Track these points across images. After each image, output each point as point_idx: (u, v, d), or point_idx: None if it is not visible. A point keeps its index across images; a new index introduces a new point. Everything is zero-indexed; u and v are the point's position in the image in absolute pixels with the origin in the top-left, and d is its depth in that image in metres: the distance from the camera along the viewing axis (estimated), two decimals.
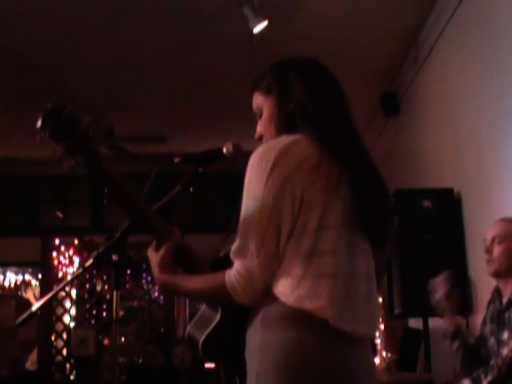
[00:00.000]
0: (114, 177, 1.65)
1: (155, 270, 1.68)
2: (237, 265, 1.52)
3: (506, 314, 2.57)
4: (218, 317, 1.66)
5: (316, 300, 1.48)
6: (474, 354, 2.73)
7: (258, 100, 1.72)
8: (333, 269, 1.51)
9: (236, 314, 1.60)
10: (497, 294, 2.70)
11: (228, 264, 1.56)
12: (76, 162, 1.58)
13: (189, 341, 1.77)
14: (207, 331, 1.66)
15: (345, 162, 1.55)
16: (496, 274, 2.68)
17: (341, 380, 1.48)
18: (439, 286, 2.83)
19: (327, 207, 1.52)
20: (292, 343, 1.47)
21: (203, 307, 1.79)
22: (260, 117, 1.72)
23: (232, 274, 1.52)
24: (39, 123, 1.52)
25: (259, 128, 1.73)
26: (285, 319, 1.49)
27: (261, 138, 1.73)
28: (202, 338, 1.66)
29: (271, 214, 1.50)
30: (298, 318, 1.48)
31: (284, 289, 1.50)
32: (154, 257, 1.70)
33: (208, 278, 1.62)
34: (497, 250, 2.64)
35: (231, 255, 1.54)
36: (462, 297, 4.05)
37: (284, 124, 1.64)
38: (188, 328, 1.77)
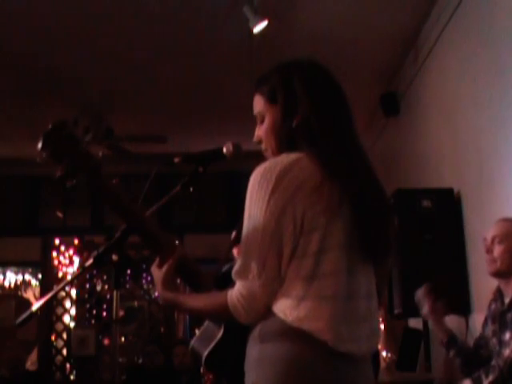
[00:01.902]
0: (116, 193, 1.66)
1: (158, 287, 1.69)
2: (239, 286, 1.52)
3: (508, 315, 2.56)
4: (220, 332, 1.68)
5: (316, 322, 1.48)
6: (474, 357, 2.73)
7: (260, 104, 1.68)
8: (333, 291, 1.50)
9: (238, 330, 1.61)
10: (498, 294, 2.70)
11: (231, 279, 1.56)
12: (77, 181, 1.59)
13: (192, 354, 1.79)
14: (210, 346, 1.68)
15: (346, 182, 1.53)
16: (497, 274, 2.67)
17: None
18: (422, 300, 2.84)
19: (328, 228, 1.51)
20: (289, 357, 1.47)
21: (207, 322, 1.80)
22: (261, 122, 1.69)
23: (234, 295, 1.52)
24: (40, 145, 1.53)
25: (259, 132, 1.70)
26: (283, 334, 1.49)
27: (260, 142, 1.71)
28: (205, 353, 1.68)
29: (273, 236, 1.49)
30: (296, 334, 1.48)
31: (284, 308, 1.50)
32: (157, 273, 1.70)
33: (210, 298, 1.62)
34: (497, 250, 2.64)
35: (233, 275, 1.54)
36: (462, 297, 4.05)
37: (286, 139, 1.62)
38: (192, 342, 1.78)
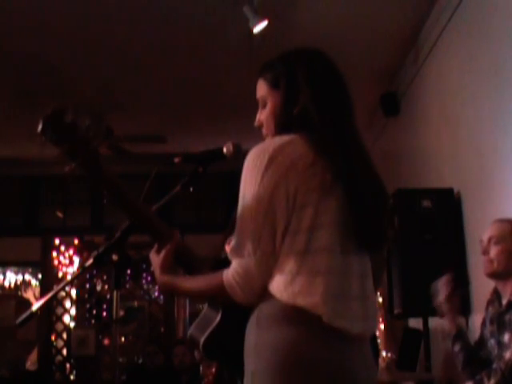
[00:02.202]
0: (113, 179, 1.68)
1: (157, 272, 1.70)
2: (234, 264, 1.53)
3: (507, 316, 2.56)
4: (218, 317, 1.67)
5: (310, 297, 1.49)
6: (475, 356, 2.73)
7: (263, 89, 1.71)
8: (326, 266, 1.51)
9: (236, 315, 1.61)
10: (496, 295, 2.69)
11: (229, 265, 1.56)
12: (77, 165, 1.61)
13: (191, 342, 1.78)
14: (207, 332, 1.67)
15: (339, 162, 1.55)
16: (493, 275, 2.66)
17: (337, 379, 1.48)
18: (441, 289, 2.83)
19: (320, 206, 1.52)
20: (286, 342, 1.48)
21: (205, 309, 1.80)
22: (263, 106, 1.72)
23: (230, 273, 1.53)
24: (39, 128, 1.55)
25: (261, 116, 1.73)
26: (279, 318, 1.50)
27: (261, 127, 1.74)
28: (202, 339, 1.67)
29: (266, 213, 1.50)
30: (292, 316, 1.49)
31: (278, 285, 1.51)
32: (155, 259, 1.71)
33: (207, 278, 1.63)
34: (494, 251, 2.63)
35: (229, 255, 1.56)
36: (463, 297, 4.05)
37: (285, 125, 1.65)
38: (190, 330, 1.77)
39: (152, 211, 1.74)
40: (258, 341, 1.52)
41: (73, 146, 1.59)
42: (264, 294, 1.53)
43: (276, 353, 1.47)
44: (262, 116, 1.72)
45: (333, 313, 1.49)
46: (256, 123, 1.74)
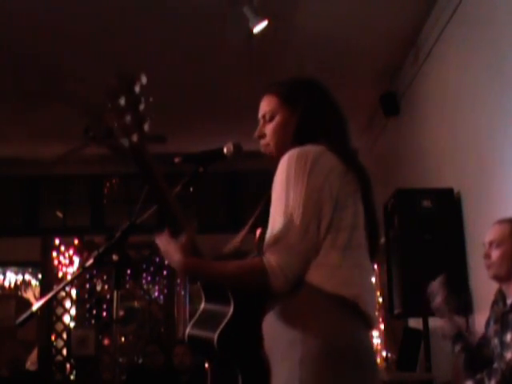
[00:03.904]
0: (151, 161, 1.78)
1: (177, 255, 1.65)
2: (276, 250, 1.57)
3: (510, 316, 2.57)
4: (231, 310, 1.66)
5: (352, 288, 1.61)
6: (477, 355, 2.73)
7: (273, 104, 1.81)
8: (361, 261, 1.68)
9: (249, 308, 1.63)
10: (500, 295, 2.71)
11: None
12: (133, 142, 1.64)
13: (190, 342, 1.75)
14: (221, 326, 1.64)
15: (360, 174, 1.73)
16: (496, 278, 2.68)
17: (375, 362, 1.70)
18: (437, 291, 2.84)
19: (356, 208, 1.69)
20: (336, 330, 1.58)
21: (202, 306, 1.78)
22: (270, 120, 1.80)
23: (272, 259, 1.57)
24: (113, 87, 1.54)
25: (264, 129, 1.81)
26: (325, 307, 1.59)
27: (260, 138, 1.81)
28: (216, 334, 1.63)
29: (315, 208, 1.60)
30: (337, 304, 1.59)
31: (321, 277, 1.60)
32: (170, 243, 1.68)
33: (242, 263, 1.66)
34: (495, 254, 2.65)
35: (269, 243, 1.59)
36: (463, 297, 4.05)
37: (292, 137, 1.75)
38: (189, 330, 1.76)
39: (175, 197, 1.77)
40: (306, 329, 1.58)
41: (137, 119, 1.60)
42: (302, 286, 1.59)
43: (325, 340, 1.56)
44: (268, 128, 1.80)
45: (366, 302, 1.63)
46: (256, 133, 1.82)
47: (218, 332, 1.63)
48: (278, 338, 1.60)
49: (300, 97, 1.79)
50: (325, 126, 1.77)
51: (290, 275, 1.56)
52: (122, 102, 1.50)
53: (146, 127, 1.58)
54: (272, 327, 1.63)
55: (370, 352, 1.67)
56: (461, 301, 2.93)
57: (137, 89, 1.51)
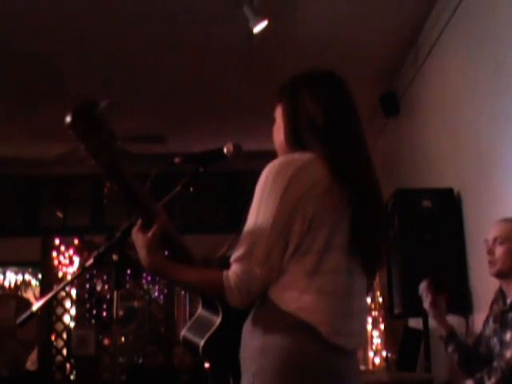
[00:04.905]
0: (128, 177, 1.60)
1: (143, 252, 1.63)
2: (237, 269, 1.55)
3: (510, 315, 2.57)
4: (218, 321, 1.69)
5: (314, 314, 1.55)
6: (473, 353, 2.74)
7: (275, 105, 1.78)
8: (333, 287, 1.58)
9: (235, 318, 1.64)
10: (500, 294, 2.71)
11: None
12: (96, 163, 1.54)
13: (184, 344, 1.78)
14: (207, 335, 1.68)
15: (353, 185, 1.60)
16: (498, 275, 2.69)
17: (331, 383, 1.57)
18: (424, 294, 2.86)
19: (335, 227, 1.58)
20: (290, 347, 1.54)
21: (199, 311, 1.80)
22: (273, 122, 1.79)
23: (231, 276, 1.55)
24: (69, 119, 1.47)
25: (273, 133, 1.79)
26: (285, 326, 1.56)
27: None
28: (202, 341, 1.68)
29: (283, 229, 1.55)
30: (297, 325, 1.55)
31: (285, 299, 1.57)
32: (140, 237, 1.63)
33: (204, 273, 1.63)
34: (498, 251, 2.65)
35: (232, 260, 1.57)
36: (461, 296, 4.05)
37: (293, 136, 1.69)
38: (183, 332, 1.78)
39: (143, 187, 1.67)
40: (265, 345, 1.56)
41: (99, 143, 1.50)
42: (269, 304, 1.58)
43: (280, 355, 1.53)
44: (273, 131, 1.78)
45: (333, 331, 1.56)
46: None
47: (203, 340, 1.68)
48: (245, 348, 1.62)
49: (292, 96, 1.71)
50: (319, 127, 1.64)
51: (246, 296, 1.55)
52: (82, 128, 1.47)
53: (116, 144, 1.55)
54: (243, 338, 1.63)
55: (329, 373, 1.56)
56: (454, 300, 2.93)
57: (97, 113, 1.48)
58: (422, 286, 2.88)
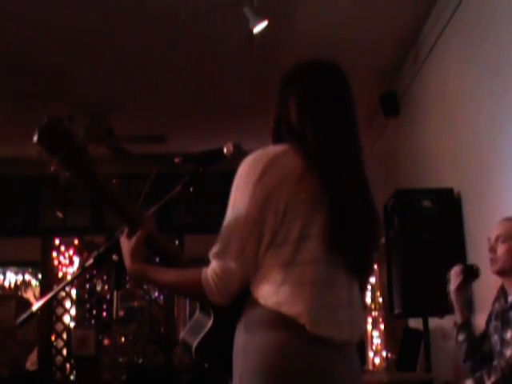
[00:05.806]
0: (107, 184, 1.64)
1: (126, 259, 1.65)
2: (214, 265, 1.55)
3: (511, 313, 2.58)
4: (210, 322, 1.69)
5: (294, 306, 1.52)
6: (478, 349, 2.74)
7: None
8: (311, 277, 1.55)
9: (227, 320, 1.63)
10: (502, 292, 2.72)
11: None
12: (71, 174, 1.59)
13: (183, 346, 1.79)
14: (200, 336, 1.68)
15: (327, 179, 1.56)
16: (500, 273, 2.69)
17: (320, 383, 1.52)
18: (453, 278, 2.85)
19: (309, 218, 1.55)
20: (272, 347, 1.51)
21: (197, 313, 1.81)
22: None
23: (208, 273, 1.55)
24: (35, 137, 1.54)
25: None
26: (266, 323, 1.53)
27: None
28: (195, 343, 1.68)
29: (255, 224, 1.54)
30: (278, 322, 1.52)
31: (264, 293, 1.54)
32: (126, 245, 1.66)
33: (183, 273, 1.64)
34: (501, 249, 2.66)
35: (210, 256, 1.57)
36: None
37: (274, 132, 1.70)
38: (182, 335, 1.79)
39: (125, 195, 1.69)
40: (246, 345, 1.55)
41: (68, 155, 1.56)
42: (250, 300, 1.57)
43: (262, 357, 1.51)
44: None
45: (317, 322, 1.52)
46: None
47: (195, 342, 1.68)
48: (234, 348, 1.60)
49: (279, 92, 1.71)
50: (295, 120, 1.64)
51: (224, 292, 1.54)
52: (49, 143, 1.55)
53: (89, 154, 1.60)
54: (234, 339, 1.62)
55: (317, 371, 1.52)
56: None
57: (62, 128, 1.55)
58: (455, 269, 2.87)
